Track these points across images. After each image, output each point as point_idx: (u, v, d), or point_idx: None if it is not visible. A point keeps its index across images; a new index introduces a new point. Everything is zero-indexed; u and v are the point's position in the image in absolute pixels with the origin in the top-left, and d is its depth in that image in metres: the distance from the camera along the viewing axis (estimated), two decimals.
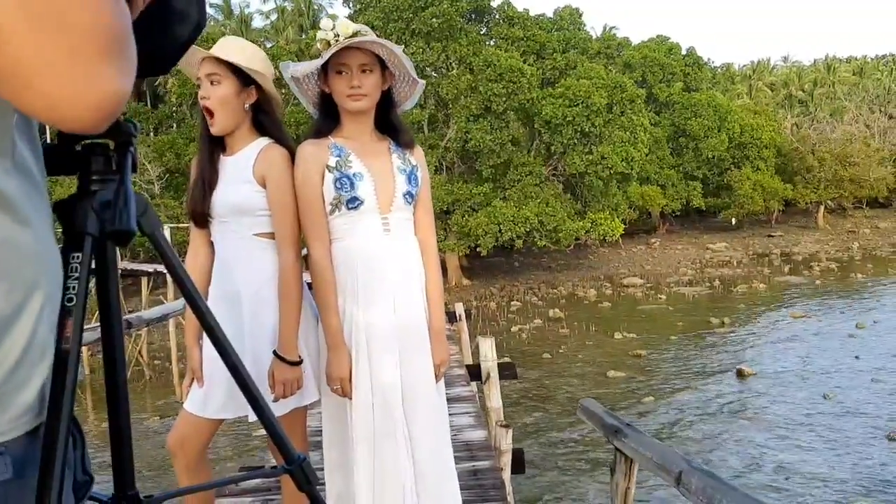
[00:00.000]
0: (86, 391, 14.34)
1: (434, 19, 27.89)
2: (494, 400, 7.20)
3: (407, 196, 2.35)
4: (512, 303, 25.51)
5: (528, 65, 28.46)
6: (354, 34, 2.21)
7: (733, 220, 41.25)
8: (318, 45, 2.26)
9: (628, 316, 22.41)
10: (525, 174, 28.01)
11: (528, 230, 26.67)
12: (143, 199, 1.03)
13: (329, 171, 2.28)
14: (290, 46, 34.35)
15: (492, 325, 21.22)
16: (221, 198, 2.32)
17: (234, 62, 2.26)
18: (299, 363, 2.29)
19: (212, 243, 2.42)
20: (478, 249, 27.18)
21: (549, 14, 35.81)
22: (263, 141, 2.35)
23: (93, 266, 0.96)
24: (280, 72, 2.42)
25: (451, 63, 28.99)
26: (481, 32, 30.86)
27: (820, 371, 15.26)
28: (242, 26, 45.54)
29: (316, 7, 47.66)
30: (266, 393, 2.21)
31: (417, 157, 2.44)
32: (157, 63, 1.04)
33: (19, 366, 0.76)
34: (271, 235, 2.33)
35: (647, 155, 30.85)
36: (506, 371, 7.85)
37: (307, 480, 1.30)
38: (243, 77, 2.29)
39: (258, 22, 52.12)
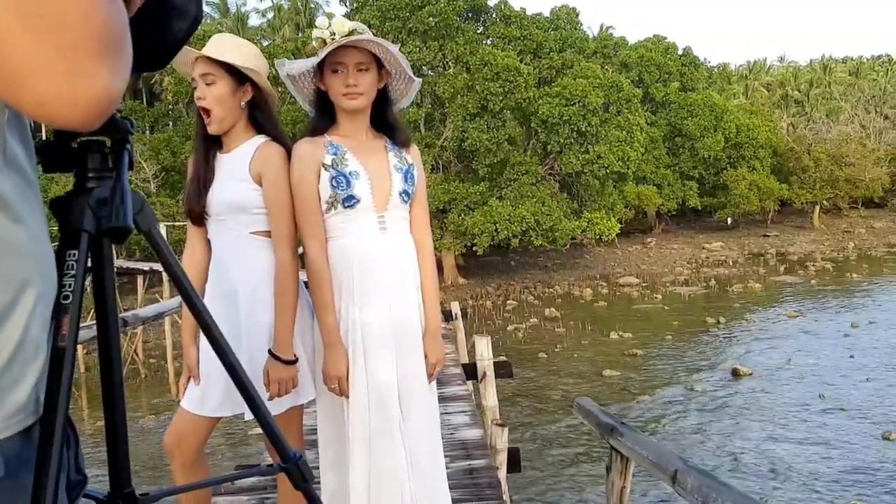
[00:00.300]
0: (81, 389, 14.31)
1: (431, 18, 27.88)
2: (490, 399, 7.20)
3: (403, 195, 2.34)
4: (508, 302, 25.53)
5: (525, 64, 28.46)
6: (351, 32, 2.21)
7: (729, 220, 41.33)
8: (315, 43, 2.25)
9: (624, 315, 22.44)
10: (521, 173, 28.02)
11: (524, 229, 26.69)
12: (140, 196, 1.03)
13: (325, 169, 2.28)
14: (286, 44, 34.33)
15: (488, 324, 21.24)
16: (218, 196, 2.32)
17: (228, 62, 2.25)
18: (294, 362, 2.29)
19: (209, 241, 2.41)
20: (474, 248, 27.19)
21: (546, 13, 35.85)
22: (260, 139, 2.35)
23: (89, 264, 0.96)
24: (276, 69, 2.42)
25: (447, 62, 28.99)
26: (478, 31, 30.86)
27: (815, 370, 15.30)
28: (239, 24, 45.47)
29: (312, 5, 47.61)
30: (262, 391, 2.21)
31: (414, 155, 2.44)
32: (155, 58, 1.04)
33: (11, 364, 0.76)
34: (268, 233, 2.32)
35: (643, 154, 30.87)
36: (502, 370, 7.84)
37: (303, 479, 1.30)
38: (238, 75, 2.29)
39: (254, 20, 52.11)
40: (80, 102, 0.64)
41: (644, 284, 28.43)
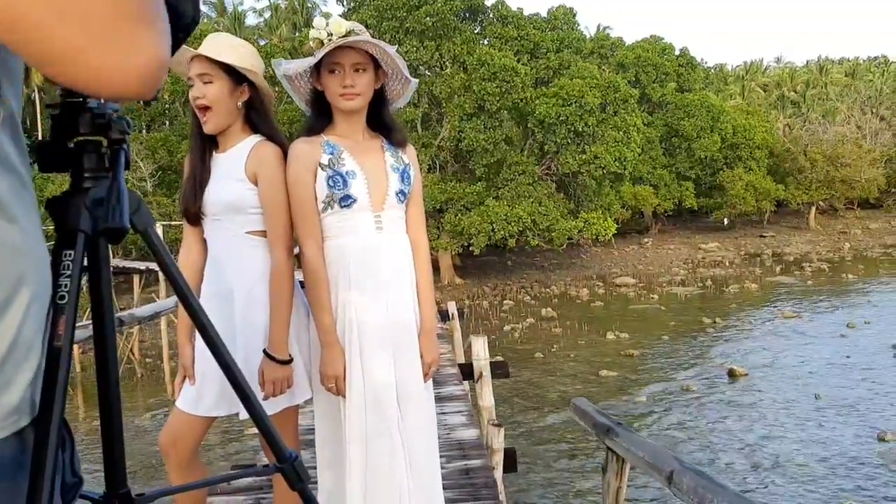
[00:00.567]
0: (77, 389, 14.28)
1: (428, 18, 27.86)
2: (486, 399, 7.21)
3: (400, 194, 2.35)
4: (504, 302, 25.53)
5: (522, 64, 28.47)
6: (348, 33, 2.21)
7: (725, 221, 41.38)
8: (312, 43, 2.25)
9: (620, 315, 22.46)
10: (518, 173, 28.03)
11: (520, 229, 26.69)
12: (136, 196, 1.03)
13: (322, 168, 2.28)
14: (283, 44, 34.29)
15: (484, 323, 21.24)
16: (214, 195, 2.31)
17: (226, 62, 2.25)
18: (289, 362, 2.29)
19: (205, 241, 2.41)
20: (471, 248, 27.18)
21: (543, 13, 35.82)
22: (255, 138, 2.35)
23: (85, 263, 0.96)
24: (273, 69, 2.42)
25: (444, 62, 28.98)
26: (475, 31, 30.84)
27: (811, 371, 15.33)
28: (236, 24, 45.43)
29: (310, 5, 47.59)
30: (257, 391, 2.21)
31: (410, 155, 2.44)
32: None
33: (3, 365, 0.75)
34: (263, 233, 2.32)
35: (639, 155, 30.89)
36: (498, 370, 7.85)
37: (299, 479, 1.30)
38: (236, 75, 2.29)
39: (252, 19, 52.03)
40: (134, 71, 0.66)
41: (640, 285, 28.45)
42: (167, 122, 34.01)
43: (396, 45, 2.37)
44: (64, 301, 0.89)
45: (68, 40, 0.62)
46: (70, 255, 0.93)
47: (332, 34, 2.21)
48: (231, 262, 2.33)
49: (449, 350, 9.42)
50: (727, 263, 33.70)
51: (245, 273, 2.31)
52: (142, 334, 18.09)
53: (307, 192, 2.28)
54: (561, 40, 33.31)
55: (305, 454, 3.09)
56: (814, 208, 43.11)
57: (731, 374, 15.22)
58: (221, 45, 2.29)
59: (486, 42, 30.37)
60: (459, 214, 26.88)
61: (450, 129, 28.03)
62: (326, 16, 2.34)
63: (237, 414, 2.26)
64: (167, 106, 33.94)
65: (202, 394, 2.33)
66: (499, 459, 5.31)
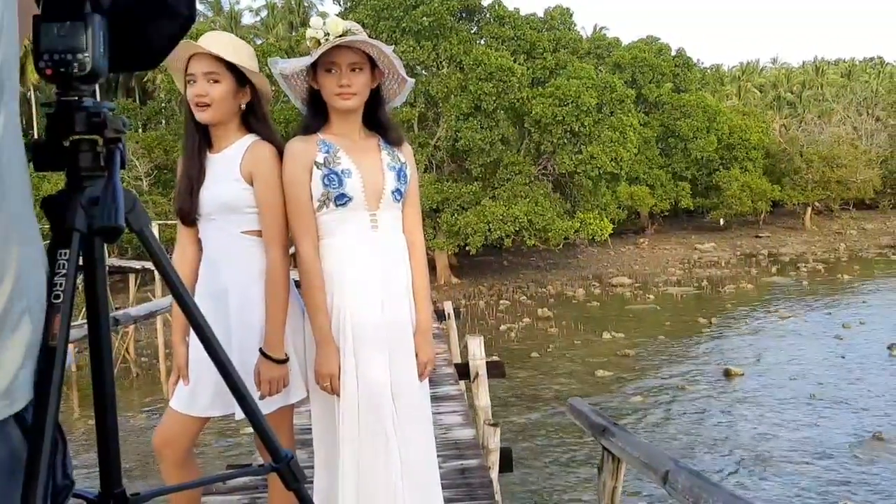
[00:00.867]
0: (72, 388, 14.26)
1: (424, 18, 27.86)
2: (483, 399, 7.21)
3: (396, 193, 2.34)
4: (501, 301, 25.54)
5: (519, 64, 28.47)
6: (345, 33, 2.21)
7: (721, 221, 41.42)
8: (309, 42, 2.25)
9: (616, 315, 22.48)
10: (515, 173, 28.04)
11: (517, 229, 26.70)
12: (132, 195, 1.03)
13: (317, 167, 2.27)
14: (279, 43, 34.24)
15: (480, 323, 21.24)
16: (209, 195, 2.31)
17: (236, 63, 2.24)
18: (285, 361, 2.29)
19: (199, 241, 2.40)
20: (467, 248, 27.19)
21: (540, 13, 35.78)
22: (250, 138, 2.34)
23: (80, 263, 0.96)
24: (270, 68, 2.41)
25: (441, 62, 28.98)
26: (472, 31, 30.85)
27: (806, 371, 15.36)
28: (232, 23, 45.38)
29: (306, 4, 47.55)
30: (253, 391, 2.21)
31: (406, 154, 2.44)
32: (146, 57, 1.04)
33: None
34: (259, 233, 2.32)
35: (636, 155, 30.93)
36: (494, 370, 7.87)
37: (295, 478, 1.30)
38: (240, 76, 2.28)
39: (248, 18, 51.93)
40: None
41: (636, 285, 28.49)
42: (163, 122, 34.00)
43: (393, 45, 2.37)
44: (59, 300, 0.89)
45: None
46: (65, 254, 0.93)
47: (328, 34, 2.20)
48: (226, 262, 2.32)
49: (445, 350, 9.42)
50: (723, 264, 33.75)
51: (240, 273, 2.31)
52: (137, 333, 18.06)
53: (303, 190, 2.28)
54: (557, 40, 33.32)
55: (302, 454, 3.09)
56: (810, 209, 43.17)
57: (727, 374, 15.25)
58: (228, 45, 2.28)
59: (482, 42, 30.38)
60: (456, 214, 26.89)
61: (446, 128, 28.04)
62: (323, 15, 2.34)
63: (232, 414, 2.26)
64: (163, 105, 33.92)
65: (196, 394, 2.32)
66: (495, 459, 5.31)
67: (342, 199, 2.27)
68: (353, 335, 2.28)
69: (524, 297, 26.44)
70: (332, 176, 2.27)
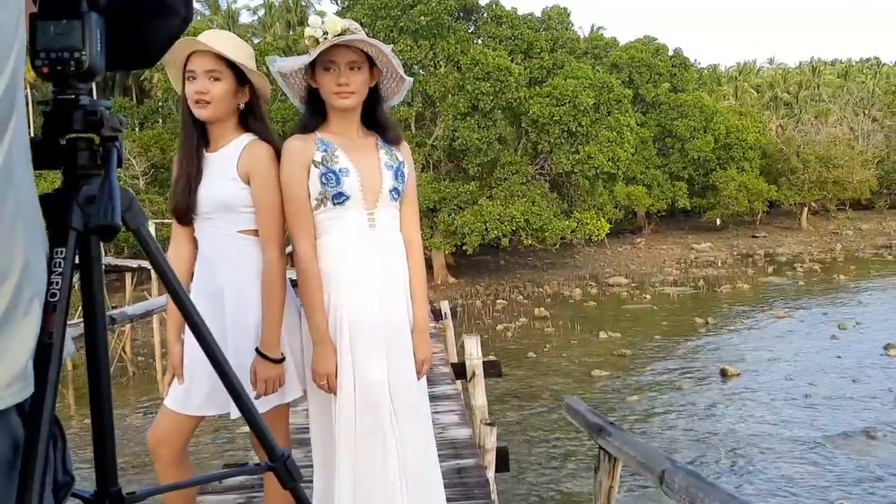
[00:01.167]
0: (68, 387, 14.24)
1: (422, 17, 27.86)
2: (479, 398, 7.21)
3: (393, 192, 2.34)
4: (497, 301, 25.55)
5: (516, 64, 28.49)
6: (343, 32, 2.20)
7: (718, 221, 41.48)
8: (307, 41, 2.25)
9: (613, 315, 22.50)
10: (512, 173, 28.05)
11: (514, 229, 26.72)
12: (128, 194, 1.03)
13: (315, 166, 2.27)
14: (277, 42, 34.22)
15: (477, 323, 21.25)
16: (206, 195, 2.30)
17: (238, 62, 2.24)
18: (282, 360, 2.28)
19: (195, 240, 2.40)
20: (464, 248, 27.20)
21: (537, 13, 35.83)
22: (247, 137, 2.33)
23: (77, 261, 0.95)
24: (268, 66, 2.41)
25: (438, 61, 28.97)
26: (469, 31, 30.86)
27: (802, 371, 15.39)
28: (229, 21, 45.32)
29: (304, 3, 47.51)
30: (249, 390, 2.20)
31: (404, 153, 2.44)
32: (143, 56, 1.04)
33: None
34: (255, 232, 2.31)
35: (633, 155, 30.95)
36: (491, 369, 7.86)
37: (291, 478, 1.29)
38: (239, 75, 2.28)
39: (245, 17, 51.85)
40: None
41: (633, 284, 28.51)
42: (160, 121, 33.94)
43: (390, 44, 2.37)
44: (55, 299, 0.89)
45: None
46: (61, 252, 0.92)
47: (327, 33, 2.20)
48: (222, 262, 2.32)
49: (442, 349, 9.42)
50: (719, 264, 33.80)
51: (236, 272, 2.30)
52: (134, 332, 18.04)
53: (300, 189, 2.28)
54: (555, 40, 33.34)
55: (298, 453, 3.09)
56: (806, 209, 43.25)
57: (723, 374, 15.27)
58: (230, 44, 2.28)
59: (480, 41, 30.38)
60: (453, 214, 26.89)
61: (444, 128, 28.04)
62: (321, 14, 2.34)
63: (228, 413, 2.26)
64: (160, 104, 33.87)
65: (191, 393, 2.32)
66: (491, 459, 5.30)
67: (340, 198, 2.27)
68: (350, 334, 2.28)
69: (521, 297, 26.45)
70: (329, 174, 2.27)
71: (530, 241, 27.69)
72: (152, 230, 18.96)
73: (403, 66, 2.40)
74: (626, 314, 22.78)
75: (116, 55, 0.99)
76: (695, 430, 12.00)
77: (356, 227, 2.30)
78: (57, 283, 0.90)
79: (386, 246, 2.35)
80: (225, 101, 2.26)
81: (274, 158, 2.30)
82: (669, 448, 10.64)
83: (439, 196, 27.04)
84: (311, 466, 2.43)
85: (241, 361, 2.24)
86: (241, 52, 2.28)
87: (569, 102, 27.08)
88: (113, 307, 13.35)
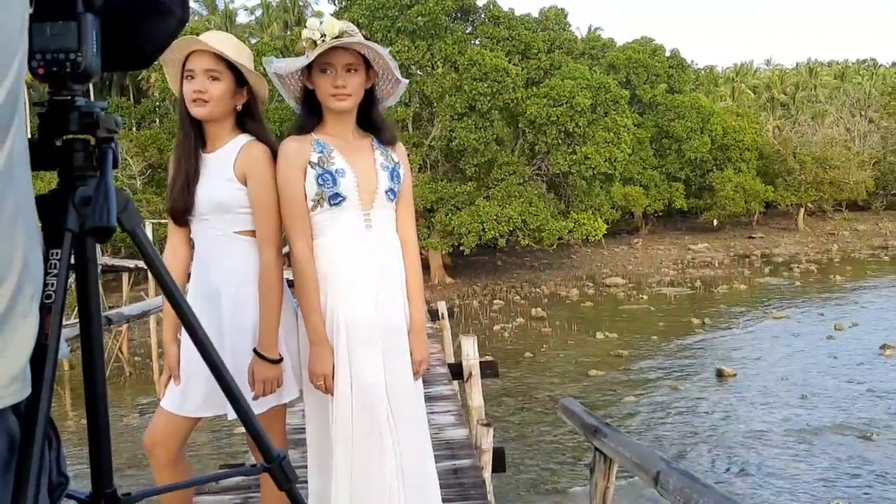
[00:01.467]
0: (64, 387, 14.21)
1: (419, 17, 27.85)
2: (476, 398, 7.21)
3: (389, 193, 2.35)
4: (494, 301, 25.55)
5: (513, 64, 28.49)
6: (341, 34, 2.21)
7: (715, 222, 41.52)
8: (304, 43, 2.25)
9: (610, 316, 22.52)
10: (509, 173, 28.05)
11: (511, 229, 26.72)
12: (124, 194, 1.03)
13: (311, 167, 2.28)
14: (274, 42, 34.20)
15: (474, 323, 21.25)
16: (203, 195, 2.30)
17: (238, 63, 2.24)
18: (279, 361, 2.28)
19: (191, 240, 2.40)
20: (461, 248, 27.19)
21: (535, 14, 35.82)
22: (244, 138, 2.34)
23: (72, 262, 0.95)
24: (264, 67, 2.41)
25: (436, 61, 28.96)
26: (466, 31, 30.85)
27: (798, 371, 15.40)
28: (227, 21, 45.27)
29: (301, 3, 47.47)
30: (245, 391, 2.20)
31: (400, 154, 2.45)
32: (139, 56, 1.04)
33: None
34: (252, 233, 2.31)
35: (630, 155, 30.96)
36: (487, 370, 7.85)
37: (287, 479, 1.30)
38: (238, 76, 2.28)
39: (242, 17, 51.83)
40: None
41: (630, 285, 28.53)
42: (157, 121, 33.88)
43: (389, 47, 2.37)
44: (51, 300, 0.89)
45: None
46: (57, 254, 0.93)
47: (324, 35, 2.20)
48: (219, 263, 2.32)
49: (438, 349, 9.42)
50: (716, 264, 33.84)
51: (233, 273, 2.30)
52: (130, 333, 18.01)
53: (297, 190, 2.28)
54: (552, 41, 33.35)
55: (294, 454, 3.09)
56: (802, 210, 43.30)
57: (720, 375, 15.28)
58: (230, 45, 2.28)
59: (477, 42, 30.38)
60: (450, 214, 26.89)
61: (441, 128, 28.03)
62: (318, 15, 2.33)
63: (225, 414, 2.26)
64: (158, 103, 33.82)
65: (188, 394, 2.32)
66: (488, 459, 5.30)
67: (336, 199, 2.28)
68: (346, 335, 2.28)
69: (518, 297, 26.45)
70: (326, 175, 2.27)
71: (527, 242, 27.70)
72: (149, 230, 18.95)
73: (400, 67, 2.41)
74: (622, 314, 22.80)
75: (112, 56, 0.99)
76: (690, 431, 12.01)
77: (352, 228, 2.30)
78: (52, 284, 0.90)
79: (382, 247, 2.35)
80: (223, 101, 2.26)
81: (271, 159, 2.31)
82: (665, 448, 10.65)
83: (436, 196, 27.04)
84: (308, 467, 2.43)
85: (238, 363, 2.24)
86: (242, 54, 2.29)
87: (566, 103, 27.10)
88: (110, 307, 13.33)
